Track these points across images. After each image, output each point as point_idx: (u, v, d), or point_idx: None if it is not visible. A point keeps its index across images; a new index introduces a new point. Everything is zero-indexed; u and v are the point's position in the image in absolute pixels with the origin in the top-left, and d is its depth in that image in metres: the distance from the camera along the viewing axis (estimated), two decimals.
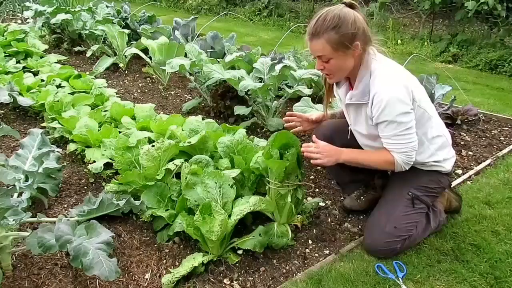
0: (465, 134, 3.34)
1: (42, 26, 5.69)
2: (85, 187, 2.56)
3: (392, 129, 1.82)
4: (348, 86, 1.99)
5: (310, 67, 3.60)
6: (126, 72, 4.85)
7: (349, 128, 2.08)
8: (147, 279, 1.86)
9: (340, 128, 2.14)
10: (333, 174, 2.53)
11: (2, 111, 3.60)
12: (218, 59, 3.90)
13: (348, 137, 2.08)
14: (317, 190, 2.57)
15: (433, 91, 3.28)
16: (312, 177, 2.71)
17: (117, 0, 7.49)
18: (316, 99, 3.51)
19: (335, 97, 2.15)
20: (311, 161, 1.92)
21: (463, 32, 6.06)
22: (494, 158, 2.94)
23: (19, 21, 7.29)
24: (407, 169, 1.92)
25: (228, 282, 1.85)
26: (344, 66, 1.85)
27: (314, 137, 2.02)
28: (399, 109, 1.77)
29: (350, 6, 1.80)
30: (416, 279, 1.84)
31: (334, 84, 2.06)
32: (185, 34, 5.21)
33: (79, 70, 4.62)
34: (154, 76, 4.59)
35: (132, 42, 5.12)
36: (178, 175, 2.26)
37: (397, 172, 2.08)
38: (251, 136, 2.71)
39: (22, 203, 1.88)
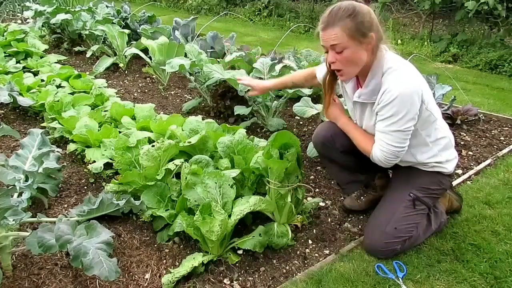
0: (465, 134, 3.34)
1: (42, 26, 5.70)
2: (85, 187, 2.56)
3: (384, 126, 1.79)
4: (356, 83, 1.95)
5: (310, 67, 3.60)
6: (126, 72, 4.85)
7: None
8: (147, 279, 1.86)
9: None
10: (333, 174, 2.53)
11: (2, 111, 3.60)
12: (218, 59, 3.90)
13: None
14: (317, 190, 2.57)
15: (433, 91, 3.28)
16: (312, 177, 2.71)
17: (117, 0, 7.49)
18: (316, 99, 3.50)
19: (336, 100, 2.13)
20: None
21: (463, 32, 6.06)
22: (494, 158, 2.94)
23: (19, 21, 7.29)
24: (384, 166, 1.91)
25: (228, 282, 1.85)
26: (358, 58, 1.76)
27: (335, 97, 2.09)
28: (401, 109, 1.73)
29: None
30: (416, 279, 1.84)
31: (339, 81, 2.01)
32: (185, 34, 5.21)
33: (79, 70, 4.62)
34: (154, 76, 4.59)
35: (132, 42, 5.12)
36: (178, 175, 2.26)
37: (399, 173, 2.08)
38: (251, 136, 2.71)
39: (22, 203, 1.88)
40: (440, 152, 1.95)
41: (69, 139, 2.92)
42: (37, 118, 3.50)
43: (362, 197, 2.31)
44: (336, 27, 1.71)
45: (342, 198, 2.45)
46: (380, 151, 1.84)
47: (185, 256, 1.93)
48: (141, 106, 3.25)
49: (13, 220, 1.76)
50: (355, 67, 1.81)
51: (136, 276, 1.87)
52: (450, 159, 1.99)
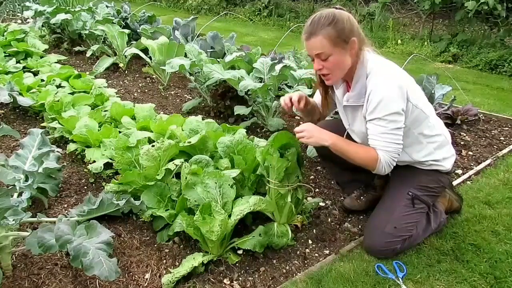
0: (465, 134, 3.34)
1: (42, 26, 5.70)
2: (85, 187, 2.56)
3: (381, 127, 1.80)
4: (346, 87, 1.98)
5: (310, 67, 3.60)
6: (126, 72, 4.85)
7: (346, 130, 2.07)
8: (147, 279, 1.86)
9: (336, 128, 2.11)
10: (333, 174, 2.53)
11: (2, 111, 3.60)
12: (218, 59, 3.90)
13: (344, 137, 2.06)
14: (317, 190, 2.57)
15: (433, 91, 3.27)
16: (312, 177, 2.71)
17: (117, 0, 7.49)
18: None
19: (330, 107, 2.13)
20: (297, 136, 1.91)
21: (463, 32, 6.06)
22: (494, 158, 2.94)
23: (19, 21, 7.29)
24: (387, 172, 1.87)
25: (228, 282, 1.85)
26: (343, 63, 1.82)
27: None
28: (391, 108, 1.76)
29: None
30: (416, 279, 1.84)
31: (333, 86, 2.03)
32: (185, 34, 5.21)
33: (79, 70, 4.62)
34: (154, 76, 4.59)
35: (132, 42, 5.12)
36: (178, 175, 2.26)
37: (397, 172, 2.08)
38: (251, 136, 2.71)
39: (22, 203, 1.88)
40: (436, 150, 1.96)
41: (69, 139, 2.92)
42: (37, 118, 3.50)
43: (362, 197, 2.31)
44: (319, 36, 1.77)
45: (342, 198, 2.45)
46: (387, 152, 1.81)
47: (185, 256, 1.93)
48: (141, 106, 3.25)
49: (13, 220, 1.75)
50: (341, 72, 1.86)
51: (136, 276, 1.87)
52: (447, 156, 2.00)
